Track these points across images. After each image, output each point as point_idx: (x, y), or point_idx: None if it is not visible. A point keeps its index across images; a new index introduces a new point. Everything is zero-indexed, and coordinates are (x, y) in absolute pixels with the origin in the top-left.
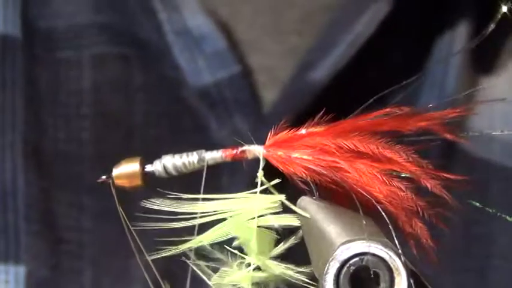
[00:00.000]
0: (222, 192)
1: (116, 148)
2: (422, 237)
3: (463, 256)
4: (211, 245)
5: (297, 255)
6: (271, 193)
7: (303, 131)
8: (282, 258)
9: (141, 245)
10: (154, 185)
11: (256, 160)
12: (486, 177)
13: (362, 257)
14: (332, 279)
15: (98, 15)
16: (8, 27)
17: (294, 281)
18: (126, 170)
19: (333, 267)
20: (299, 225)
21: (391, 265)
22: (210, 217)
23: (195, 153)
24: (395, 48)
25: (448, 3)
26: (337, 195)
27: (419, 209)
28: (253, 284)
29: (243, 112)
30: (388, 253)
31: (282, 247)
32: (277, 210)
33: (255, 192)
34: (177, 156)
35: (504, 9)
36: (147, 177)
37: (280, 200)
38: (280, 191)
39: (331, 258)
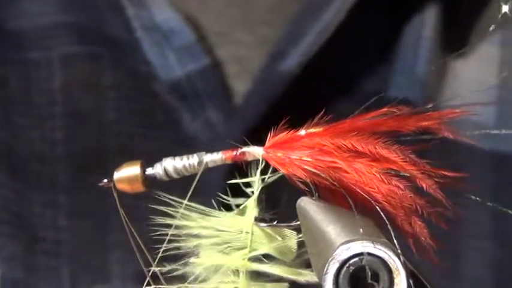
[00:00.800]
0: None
1: (89, 146)
2: (422, 236)
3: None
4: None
5: None
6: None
7: (301, 132)
8: None
9: (142, 245)
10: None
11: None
12: (461, 159)
13: (361, 257)
14: (332, 279)
15: (66, 15)
16: None
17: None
18: (127, 174)
19: (332, 267)
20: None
21: (391, 265)
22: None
23: (195, 155)
24: (365, 34)
25: None
26: (337, 196)
27: (418, 207)
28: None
29: (215, 104)
30: (387, 253)
31: None
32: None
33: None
34: (177, 158)
35: (505, 8)
36: (147, 180)
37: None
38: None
39: (330, 259)
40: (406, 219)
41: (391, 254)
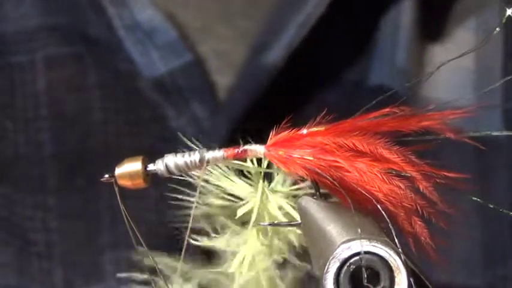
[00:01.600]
0: None
1: (76, 147)
2: (422, 235)
3: None
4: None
5: None
6: None
7: (303, 130)
8: None
9: (144, 245)
10: None
11: None
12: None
13: (362, 256)
14: (332, 278)
15: (47, 17)
16: None
17: None
18: (129, 170)
19: (333, 266)
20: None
21: (391, 264)
22: None
23: (196, 152)
24: (344, 25)
25: None
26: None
27: (418, 207)
28: None
29: (199, 99)
30: (388, 252)
31: None
32: None
33: None
34: (179, 155)
35: (509, 12)
36: (149, 176)
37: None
38: None
39: (331, 257)
40: (406, 219)
41: (391, 252)
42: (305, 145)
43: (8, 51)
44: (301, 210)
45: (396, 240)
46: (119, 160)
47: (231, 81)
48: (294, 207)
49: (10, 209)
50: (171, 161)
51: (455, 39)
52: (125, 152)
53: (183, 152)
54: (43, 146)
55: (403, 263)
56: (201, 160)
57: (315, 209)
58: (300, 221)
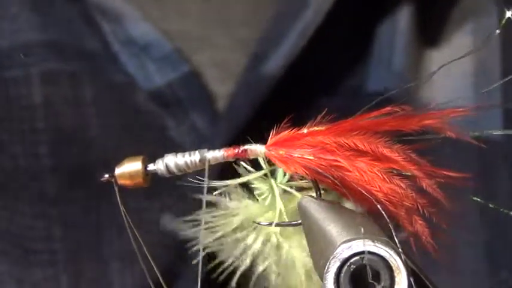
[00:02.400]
0: None
1: (74, 160)
2: (422, 235)
3: None
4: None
5: None
6: None
7: (304, 130)
8: None
9: (143, 245)
10: None
11: None
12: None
13: (362, 255)
14: (333, 278)
15: (45, 33)
16: None
17: None
18: (129, 169)
19: (333, 266)
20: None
21: (392, 264)
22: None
23: (197, 152)
24: (343, 32)
25: None
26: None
27: (419, 206)
28: None
29: (198, 109)
30: (388, 252)
31: None
32: None
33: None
34: (179, 155)
35: (508, 14)
36: (149, 176)
37: None
38: None
39: (331, 257)
40: (407, 218)
41: (392, 252)
42: (306, 144)
43: (3, 65)
44: (301, 210)
45: (396, 240)
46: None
47: (230, 90)
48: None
49: (10, 220)
50: (171, 160)
51: (453, 44)
52: None
53: (183, 152)
54: (42, 159)
55: (403, 262)
56: (202, 160)
57: (315, 209)
58: (300, 221)
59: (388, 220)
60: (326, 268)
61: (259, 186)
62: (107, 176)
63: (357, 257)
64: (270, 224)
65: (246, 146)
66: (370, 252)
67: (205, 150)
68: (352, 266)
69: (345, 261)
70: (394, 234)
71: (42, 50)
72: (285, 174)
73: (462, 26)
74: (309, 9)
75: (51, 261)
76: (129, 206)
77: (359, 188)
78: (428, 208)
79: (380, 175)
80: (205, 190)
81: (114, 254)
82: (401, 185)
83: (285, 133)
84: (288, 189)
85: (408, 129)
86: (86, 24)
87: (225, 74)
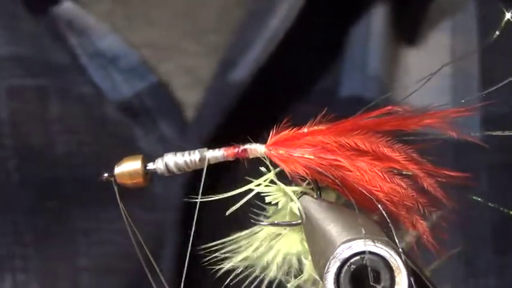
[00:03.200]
0: None
1: (43, 175)
2: (423, 234)
3: None
4: None
5: None
6: None
7: (304, 129)
8: None
9: (144, 245)
10: None
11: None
12: None
13: (363, 255)
14: (333, 278)
15: (11, 48)
16: None
17: None
18: (128, 168)
19: (333, 266)
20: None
21: (392, 264)
22: None
23: (196, 151)
24: (314, 35)
25: None
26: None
27: (420, 206)
28: None
29: (167, 118)
30: (388, 252)
31: None
32: None
33: None
34: (178, 154)
35: (508, 15)
36: (148, 175)
37: None
38: None
39: (331, 257)
40: (408, 218)
41: (392, 252)
42: (306, 144)
43: None
44: (302, 210)
45: (397, 240)
46: (88, 187)
47: (199, 98)
48: None
49: None
50: (170, 160)
51: (431, 43)
52: (92, 180)
53: (183, 151)
54: (10, 174)
55: (403, 262)
56: (201, 159)
57: (315, 209)
58: (299, 221)
59: (388, 220)
60: (326, 268)
61: (267, 190)
62: (106, 175)
63: (357, 257)
64: (270, 224)
65: (246, 146)
66: (370, 252)
67: (205, 149)
68: (352, 266)
69: (345, 261)
70: (394, 234)
71: (9, 64)
72: None
73: (439, 25)
74: (276, 14)
75: (24, 268)
76: (100, 216)
77: (359, 188)
78: (429, 207)
79: (381, 174)
80: (200, 190)
81: (86, 263)
82: (402, 184)
83: (285, 132)
84: (297, 189)
85: (408, 129)
86: (53, 38)
87: (195, 82)
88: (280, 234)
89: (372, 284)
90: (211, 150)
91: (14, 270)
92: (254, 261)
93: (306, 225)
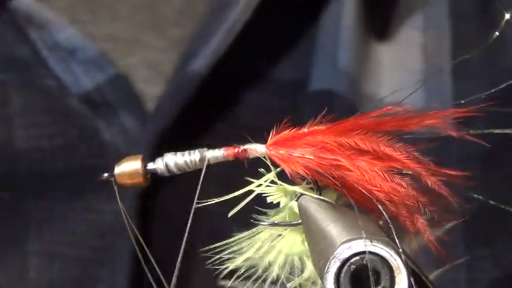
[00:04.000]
0: None
1: (3, 173)
2: (424, 233)
3: None
4: None
5: None
6: None
7: (304, 129)
8: None
9: (144, 245)
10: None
11: None
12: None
13: (363, 255)
14: (333, 278)
15: None
16: None
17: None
18: (128, 168)
19: (333, 266)
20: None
21: (392, 264)
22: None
23: (197, 151)
24: (279, 27)
25: None
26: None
27: (420, 205)
28: None
29: (128, 110)
30: (388, 252)
31: None
32: None
33: None
34: (179, 154)
35: (507, 16)
36: (148, 175)
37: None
38: None
39: (331, 257)
40: (408, 217)
41: (392, 252)
42: (306, 144)
43: None
44: (301, 210)
45: (397, 240)
46: (48, 182)
47: (161, 90)
48: None
49: None
50: (171, 160)
51: (402, 38)
52: (50, 173)
53: (183, 151)
54: None
55: (403, 262)
56: (201, 159)
57: (315, 208)
58: (299, 221)
59: (388, 220)
60: (326, 268)
61: (267, 190)
62: (106, 175)
63: (357, 257)
64: (270, 224)
65: (246, 146)
66: (370, 252)
67: (205, 149)
68: (352, 266)
69: (345, 262)
70: (394, 234)
71: None
72: None
73: (410, 19)
74: (237, 6)
75: None
76: (55, 207)
77: (360, 188)
78: (430, 207)
79: (381, 174)
80: (199, 188)
81: (35, 250)
82: (403, 183)
83: (285, 132)
84: (297, 189)
85: (409, 129)
86: (14, 33)
87: (156, 75)
88: (281, 234)
89: (372, 284)
90: (211, 150)
91: None
92: (256, 262)
93: (306, 225)
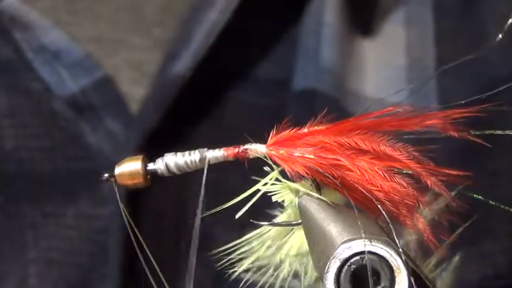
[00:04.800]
0: None
1: None
2: (424, 233)
3: None
4: None
5: None
6: None
7: (304, 129)
8: None
9: (144, 244)
10: None
11: None
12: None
13: (363, 255)
14: (333, 278)
15: None
16: None
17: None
18: (129, 169)
19: (333, 266)
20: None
21: (392, 264)
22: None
23: (197, 151)
24: (261, 27)
25: None
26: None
27: (420, 205)
28: None
29: (113, 113)
30: (389, 252)
31: None
32: None
33: None
34: (179, 154)
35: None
36: (149, 175)
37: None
38: None
39: (331, 257)
40: (408, 217)
41: (392, 252)
42: (306, 144)
43: None
44: (302, 210)
45: (397, 240)
46: (38, 184)
47: (145, 92)
48: None
49: None
50: (171, 160)
51: (385, 34)
52: (40, 176)
53: (183, 151)
54: None
55: (403, 262)
56: (202, 159)
57: (315, 208)
58: (300, 221)
59: (388, 220)
60: (326, 268)
61: (272, 189)
62: (106, 175)
63: (357, 257)
64: (270, 224)
65: (247, 146)
66: (370, 252)
67: (205, 149)
68: (352, 266)
69: (345, 261)
70: (394, 234)
71: None
72: None
73: (393, 14)
74: (216, 7)
75: None
76: (49, 212)
77: (360, 188)
78: (430, 206)
79: (381, 173)
80: (202, 189)
81: (34, 258)
82: (403, 183)
83: (286, 132)
84: (301, 188)
85: (409, 129)
86: None
87: (141, 75)
88: (288, 233)
89: (372, 284)
90: (211, 150)
91: None
92: (266, 261)
93: (306, 225)
